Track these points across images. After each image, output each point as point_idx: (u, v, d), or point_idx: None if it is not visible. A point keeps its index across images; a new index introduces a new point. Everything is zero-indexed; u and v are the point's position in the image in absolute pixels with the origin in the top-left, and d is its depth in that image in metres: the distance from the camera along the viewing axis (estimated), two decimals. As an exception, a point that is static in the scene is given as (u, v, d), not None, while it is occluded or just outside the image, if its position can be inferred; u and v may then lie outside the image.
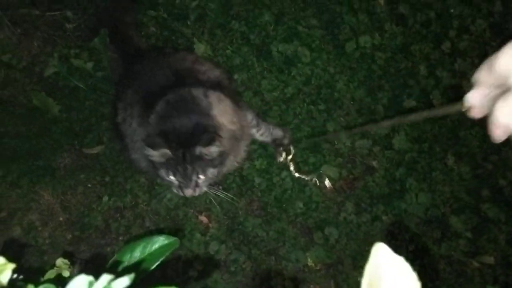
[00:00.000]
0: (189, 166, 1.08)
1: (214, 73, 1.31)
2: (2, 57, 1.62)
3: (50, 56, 1.61)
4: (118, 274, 0.34)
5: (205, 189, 1.19)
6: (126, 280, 0.33)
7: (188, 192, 1.14)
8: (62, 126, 1.56)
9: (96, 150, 1.55)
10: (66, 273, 0.64)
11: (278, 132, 1.46)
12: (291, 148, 1.50)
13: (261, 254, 1.46)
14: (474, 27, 1.69)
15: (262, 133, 1.43)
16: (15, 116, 1.58)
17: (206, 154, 1.07)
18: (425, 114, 0.81)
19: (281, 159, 1.50)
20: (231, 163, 1.26)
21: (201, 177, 1.12)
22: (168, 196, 1.49)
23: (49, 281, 0.49)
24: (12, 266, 0.36)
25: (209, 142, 1.04)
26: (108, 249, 1.45)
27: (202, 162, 1.09)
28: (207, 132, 1.05)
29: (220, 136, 1.07)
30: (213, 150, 1.07)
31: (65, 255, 0.75)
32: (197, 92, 1.13)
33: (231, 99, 1.22)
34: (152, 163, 1.13)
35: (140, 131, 1.22)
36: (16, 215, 1.47)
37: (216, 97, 1.15)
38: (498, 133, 0.44)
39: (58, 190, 1.51)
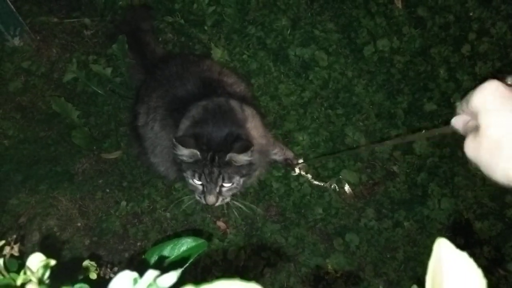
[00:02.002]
0: (216, 169, 1.08)
1: (240, 87, 1.35)
2: (22, 64, 1.64)
3: (69, 63, 1.62)
4: (162, 271, 0.33)
5: (227, 199, 1.19)
6: (173, 275, 0.31)
7: (211, 199, 1.13)
8: (81, 132, 1.56)
9: (114, 155, 1.54)
10: (93, 275, 0.63)
11: (289, 153, 1.49)
12: (303, 162, 1.50)
13: (280, 260, 1.43)
14: (495, 30, 1.67)
15: (276, 152, 1.45)
16: (34, 121, 1.59)
17: (235, 161, 1.08)
18: (425, 134, 0.90)
19: (296, 173, 1.51)
20: (254, 177, 1.27)
21: (226, 184, 1.12)
22: (186, 201, 1.48)
23: (82, 280, 0.48)
24: (52, 262, 0.35)
25: (244, 150, 1.06)
26: (126, 254, 1.44)
27: (230, 168, 1.09)
28: (240, 139, 1.07)
29: (253, 145, 1.08)
30: (244, 157, 1.08)
31: (92, 257, 0.73)
32: (234, 104, 1.16)
33: (260, 115, 1.27)
34: (179, 164, 1.13)
35: (163, 135, 1.23)
36: (35, 220, 1.47)
37: (250, 112, 1.19)
38: (470, 162, 0.49)
39: (76, 196, 1.51)
